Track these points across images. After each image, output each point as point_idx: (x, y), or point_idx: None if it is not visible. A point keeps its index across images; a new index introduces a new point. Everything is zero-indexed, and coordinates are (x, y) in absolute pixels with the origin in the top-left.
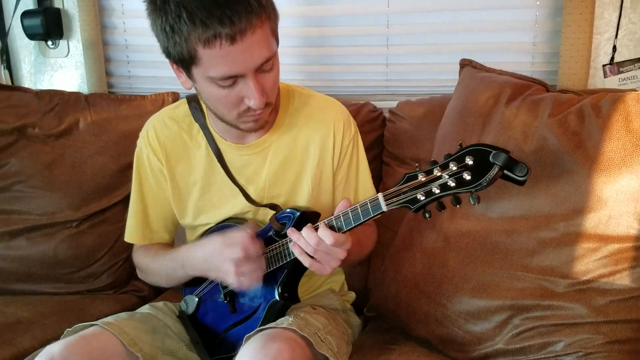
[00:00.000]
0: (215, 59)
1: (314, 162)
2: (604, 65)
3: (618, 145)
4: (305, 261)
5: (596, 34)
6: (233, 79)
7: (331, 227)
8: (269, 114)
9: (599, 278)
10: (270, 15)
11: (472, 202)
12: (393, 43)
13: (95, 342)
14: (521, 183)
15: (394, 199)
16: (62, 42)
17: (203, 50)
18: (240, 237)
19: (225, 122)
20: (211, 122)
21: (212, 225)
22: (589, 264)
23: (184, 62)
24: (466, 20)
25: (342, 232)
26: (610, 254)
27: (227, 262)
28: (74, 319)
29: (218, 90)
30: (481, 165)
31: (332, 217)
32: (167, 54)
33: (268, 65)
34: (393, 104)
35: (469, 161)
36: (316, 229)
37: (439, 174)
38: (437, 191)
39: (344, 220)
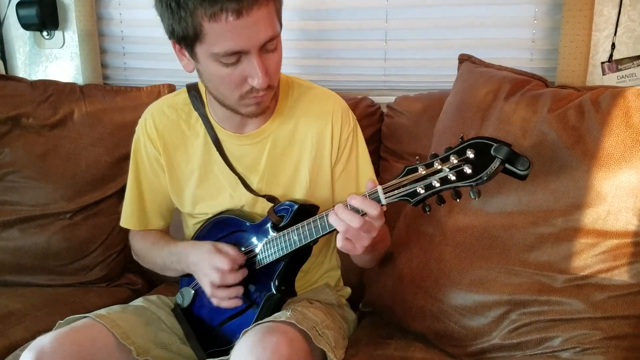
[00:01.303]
0: (221, 33)
1: (311, 153)
2: (602, 63)
3: (617, 140)
4: (340, 242)
5: (595, 31)
6: (237, 56)
7: None
8: (271, 99)
9: (597, 274)
10: None
11: (472, 197)
12: (391, 38)
13: (86, 334)
14: (523, 177)
15: (394, 192)
16: (58, 33)
17: (209, 25)
18: (223, 263)
19: (226, 106)
20: (210, 110)
21: (210, 215)
22: (587, 259)
23: (188, 39)
24: (465, 15)
25: None
26: (608, 249)
27: (205, 279)
28: (67, 312)
29: (221, 68)
30: (482, 158)
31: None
32: (171, 32)
33: (272, 44)
34: (391, 99)
35: (470, 154)
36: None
37: (439, 167)
38: (437, 185)
39: None
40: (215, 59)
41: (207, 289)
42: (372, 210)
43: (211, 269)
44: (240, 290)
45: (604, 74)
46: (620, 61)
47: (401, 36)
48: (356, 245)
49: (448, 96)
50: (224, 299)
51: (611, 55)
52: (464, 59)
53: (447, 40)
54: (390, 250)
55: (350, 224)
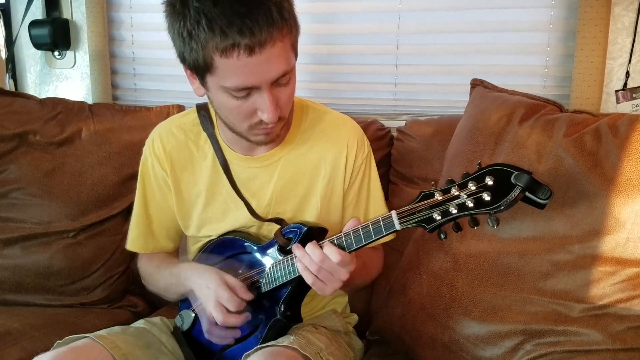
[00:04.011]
0: (232, 69)
1: (324, 180)
2: (616, 91)
3: (637, 166)
4: (308, 278)
5: (609, 59)
6: (248, 91)
7: (339, 245)
8: (281, 128)
9: (615, 303)
10: (291, 29)
11: (490, 225)
12: (402, 63)
13: (85, 355)
14: (542, 206)
15: (409, 218)
16: (69, 53)
17: (220, 60)
18: (230, 304)
19: (236, 132)
20: (220, 132)
21: (214, 237)
22: (605, 288)
23: (199, 69)
24: (477, 42)
25: (350, 251)
26: (628, 278)
27: (213, 306)
28: (66, 332)
29: (231, 100)
30: (502, 186)
31: (342, 234)
32: (182, 59)
33: (285, 79)
34: (401, 124)
35: (489, 181)
36: (321, 246)
37: (456, 193)
38: (454, 211)
39: (354, 238)
40: (225, 91)
41: (217, 315)
42: (333, 256)
43: (216, 304)
44: (247, 315)
45: (618, 102)
46: (634, 89)
47: (412, 61)
48: (327, 286)
49: (459, 120)
50: (233, 323)
51: (625, 84)
52: (476, 83)
53: (458, 66)
54: (399, 276)
55: (309, 267)
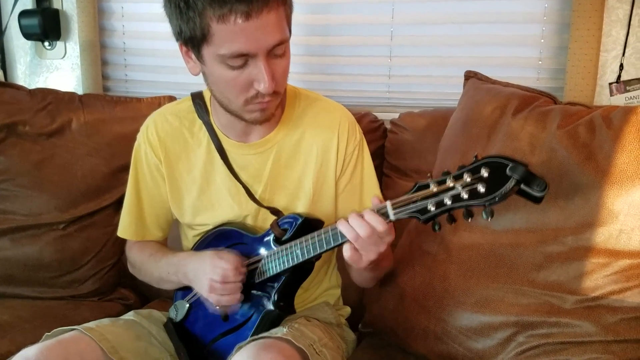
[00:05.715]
0: (228, 35)
1: (316, 165)
2: (610, 84)
3: (630, 157)
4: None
5: (603, 52)
6: (244, 59)
7: None
8: (276, 107)
9: (608, 295)
10: (286, 1)
11: (485, 217)
12: (396, 54)
13: (74, 347)
14: (538, 200)
15: (403, 208)
16: (59, 44)
17: (217, 26)
18: (225, 262)
19: (231, 111)
20: (215, 118)
21: (210, 227)
22: (598, 279)
23: (195, 40)
24: (471, 33)
25: None
26: (621, 269)
27: (206, 279)
28: (56, 325)
29: (227, 71)
30: (497, 177)
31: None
32: (179, 32)
33: (280, 49)
34: (395, 116)
35: (485, 173)
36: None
37: (451, 184)
38: (449, 202)
39: None
40: (221, 60)
41: (207, 285)
42: (379, 225)
43: (214, 267)
44: (240, 285)
45: (611, 95)
46: (628, 82)
47: (406, 53)
48: (363, 257)
49: (453, 113)
50: (224, 294)
51: (619, 76)
52: (470, 75)
53: (452, 57)
54: (392, 268)
55: (359, 232)
